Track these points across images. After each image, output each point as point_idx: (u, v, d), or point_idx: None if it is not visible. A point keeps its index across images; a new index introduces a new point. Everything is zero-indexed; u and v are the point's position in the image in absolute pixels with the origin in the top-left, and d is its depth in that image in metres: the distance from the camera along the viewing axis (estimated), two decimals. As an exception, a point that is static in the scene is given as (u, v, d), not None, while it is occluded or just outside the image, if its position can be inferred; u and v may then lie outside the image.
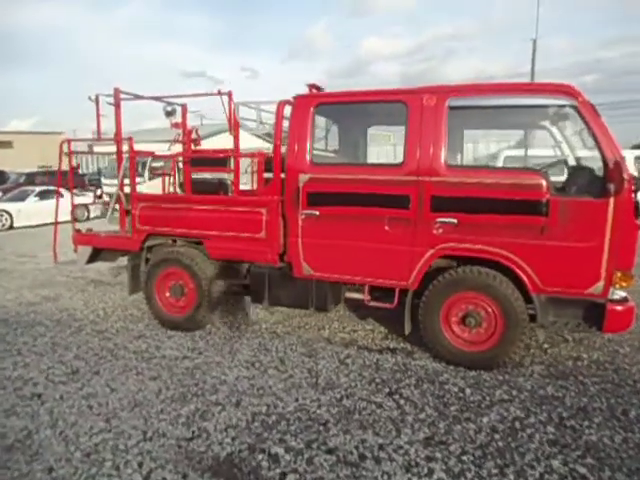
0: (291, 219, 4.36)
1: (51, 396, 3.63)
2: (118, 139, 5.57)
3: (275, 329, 5.07)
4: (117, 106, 5.47)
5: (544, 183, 3.55)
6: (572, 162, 4.12)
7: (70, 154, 5.63)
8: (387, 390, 3.68)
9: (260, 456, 2.85)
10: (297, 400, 3.54)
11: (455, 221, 3.81)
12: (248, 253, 4.61)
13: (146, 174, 15.89)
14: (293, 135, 4.29)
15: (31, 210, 15.25)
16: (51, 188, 16.08)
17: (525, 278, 3.70)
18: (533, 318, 3.82)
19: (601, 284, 3.54)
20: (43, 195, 15.89)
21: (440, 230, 3.87)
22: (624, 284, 3.51)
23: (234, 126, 4.76)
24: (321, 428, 3.15)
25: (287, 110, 4.36)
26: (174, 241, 5.24)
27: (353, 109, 4.30)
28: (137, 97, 5.67)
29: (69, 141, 5.53)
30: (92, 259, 5.56)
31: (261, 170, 4.75)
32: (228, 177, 5.30)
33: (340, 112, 4.44)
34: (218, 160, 5.13)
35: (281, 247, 4.48)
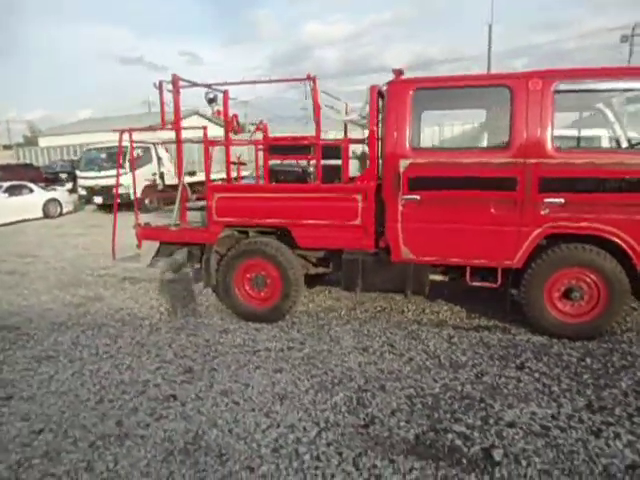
0: (390, 204, 4.39)
1: (186, 396, 3.52)
2: (177, 127, 5.34)
3: (356, 315, 5.11)
4: (176, 92, 5.24)
5: (652, 162, 3.78)
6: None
7: (132, 145, 5.32)
8: (513, 365, 3.85)
9: (449, 435, 2.93)
10: (436, 381, 3.64)
11: (563, 201, 3.99)
12: (342, 240, 4.61)
13: (127, 165, 15.16)
14: (391, 120, 4.29)
15: (1, 207, 14.21)
16: (22, 183, 15.02)
17: (631, 253, 3.94)
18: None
19: (702, 254, 3.85)
20: (11, 191, 14.80)
21: (547, 210, 4.04)
22: None
23: (316, 112, 4.68)
24: (482, 405, 3.27)
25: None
26: (244, 233, 5.14)
27: (452, 94, 4.36)
28: (196, 84, 5.43)
29: (130, 131, 5.22)
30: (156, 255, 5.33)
31: (346, 157, 4.72)
32: (301, 165, 5.21)
33: (438, 97, 4.48)
34: (295, 147, 5.02)
35: (376, 233, 4.51)
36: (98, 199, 15.30)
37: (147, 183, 15.54)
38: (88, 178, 15.39)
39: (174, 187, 17.22)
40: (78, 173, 16.11)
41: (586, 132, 5.74)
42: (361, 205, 4.46)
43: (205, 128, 5.19)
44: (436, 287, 5.05)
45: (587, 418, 3.05)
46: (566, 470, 2.57)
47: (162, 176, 16.31)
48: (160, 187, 16.21)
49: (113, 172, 15.38)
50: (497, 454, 2.72)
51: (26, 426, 3.20)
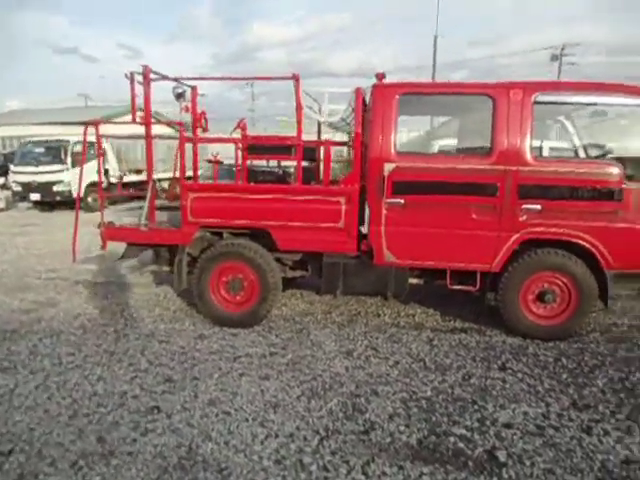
0: (374, 208, 4.39)
1: (170, 407, 3.31)
2: (147, 121, 5.07)
3: (333, 319, 5.06)
4: (147, 85, 4.97)
5: (620, 173, 4.03)
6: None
7: (98, 139, 4.96)
8: (496, 366, 3.95)
9: (451, 438, 2.94)
10: (426, 384, 3.66)
11: (539, 207, 4.16)
12: (323, 243, 4.54)
13: (69, 161, 14.26)
14: (376, 124, 4.30)
15: None
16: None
17: (600, 257, 4.18)
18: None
19: (662, 259, 4.15)
20: None
21: (525, 216, 4.20)
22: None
23: (298, 112, 4.58)
24: (476, 406, 3.32)
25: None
26: (217, 234, 4.95)
27: (436, 100, 4.43)
28: (166, 78, 5.17)
29: (96, 124, 4.87)
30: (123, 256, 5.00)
31: (328, 159, 4.67)
32: (281, 166, 5.09)
33: (422, 102, 4.53)
34: (274, 147, 4.89)
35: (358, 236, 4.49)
36: (35, 196, 14.27)
37: (90, 181, 14.69)
38: (24, 173, 14.30)
39: (117, 185, 16.36)
40: (12, 168, 14.93)
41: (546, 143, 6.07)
42: (344, 208, 4.42)
43: (181, 124, 4.93)
44: (410, 290, 5.11)
45: (575, 416, 3.18)
46: (568, 468, 2.65)
47: (106, 173, 15.46)
48: (105, 185, 15.36)
49: (52, 167, 14.44)
50: (501, 455, 2.77)
51: (-7, 446, 2.87)
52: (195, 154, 5.28)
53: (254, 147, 4.85)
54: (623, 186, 4.05)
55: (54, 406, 3.33)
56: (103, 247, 4.97)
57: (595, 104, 4.12)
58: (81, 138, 15.23)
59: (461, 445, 2.88)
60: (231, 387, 3.60)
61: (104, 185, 15.28)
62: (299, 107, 4.58)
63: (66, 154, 14.17)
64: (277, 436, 2.97)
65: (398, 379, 3.73)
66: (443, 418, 3.18)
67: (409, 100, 4.30)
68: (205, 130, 6.20)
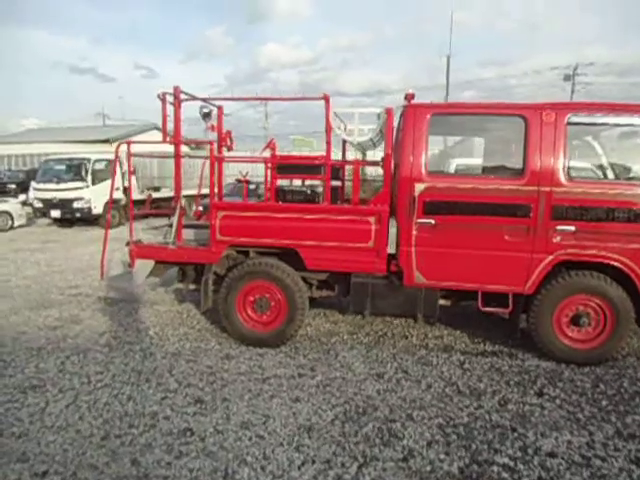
0: (404, 228, 4.36)
1: (203, 430, 3.26)
2: (177, 140, 5.12)
3: (359, 340, 5.00)
4: (177, 105, 5.04)
5: (657, 194, 3.96)
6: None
7: (129, 157, 5.01)
8: (532, 392, 3.85)
9: (494, 468, 2.85)
10: (462, 409, 3.57)
11: (573, 229, 4.09)
12: (353, 263, 4.51)
13: (89, 178, 14.46)
14: (407, 144, 4.29)
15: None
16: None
17: (637, 279, 4.09)
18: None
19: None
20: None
21: (559, 237, 4.13)
22: None
23: (327, 131, 4.61)
24: (516, 434, 3.22)
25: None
26: (243, 253, 4.94)
27: (467, 120, 4.42)
28: (196, 98, 5.24)
29: (128, 142, 4.93)
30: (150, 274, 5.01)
31: (357, 179, 4.66)
32: (310, 185, 5.10)
33: (453, 123, 4.53)
34: (302, 167, 4.90)
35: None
36: (55, 212, 14.45)
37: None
38: (45, 190, 14.51)
39: (138, 202, 16.63)
40: (34, 184, 15.16)
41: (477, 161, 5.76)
42: (374, 228, 4.39)
43: (212, 143, 4.97)
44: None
45: (621, 446, 3.07)
46: (620, 502, 2.54)
47: (125, 191, 15.66)
48: (123, 202, 15.54)
49: (73, 185, 14.65)
50: (548, 487, 2.66)
51: (26, 468, 2.84)
52: (220, 173, 5.29)
53: (283, 166, 4.86)
54: (659, 208, 3.97)
55: (86, 426, 3.30)
56: (131, 265, 4.97)
57: (627, 125, 4.07)
58: (101, 156, 15.52)
59: (505, 475, 2.78)
60: (262, 409, 3.54)
61: (124, 202, 15.60)
62: (329, 128, 4.60)
63: (87, 172, 14.38)
64: (314, 462, 2.90)
65: (432, 404, 3.65)
66: (483, 446, 3.09)
67: (440, 120, 4.29)
68: (230, 149, 6.27)
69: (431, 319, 4.70)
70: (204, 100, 5.51)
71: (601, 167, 4.22)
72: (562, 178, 4.08)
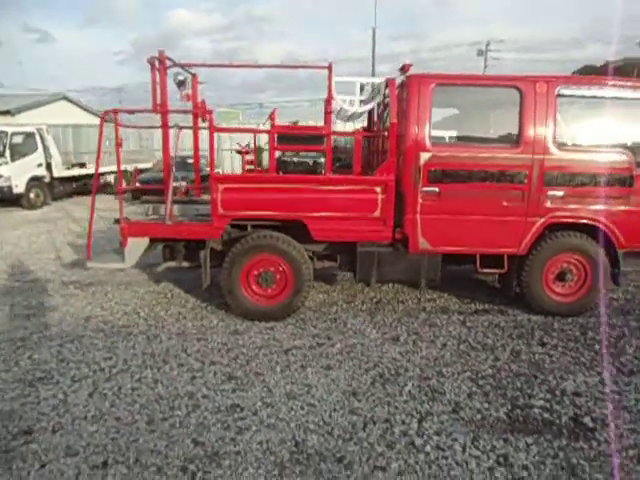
0: (410, 197, 4.50)
1: (251, 405, 3.23)
2: (164, 110, 4.80)
3: (359, 307, 5.14)
4: (163, 71, 4.71)
5: (632, 160, 4.44)
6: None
7: (117, 127, 4.59)
8: (535, 343, 4.24)
9: (535, 410, 3.14)
10: (482, 363, 3.85)
11: (562, 193, 4.48)
12: (359, 232, 4.58)
13: (7, 154, 12.99)
14: (411, 114, 4.39)
15: None
16: None
17: (614, 238, 4.58)
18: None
19: (665, 238, 4.63)
20: None
21: (549, 202, 4.50)
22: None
23: (328, 101, 4.55)
24: (538, 380, 3.56)
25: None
26: (239, 227, 4.83)
27: (467, 91, 4.57)
28: (177, 64, 4.91)
29: (115, 112, 4.52)
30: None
31: (359, 149, 4.69)
32: (311, 156, 5.02)
33: (454, 93, 4.64)
34: (303, 138, 4.81)
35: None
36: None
37: (32, 175, 13.53)
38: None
39: (63, 180, 15.32)
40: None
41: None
42: (381, 197, 4.48)
43: (211, 113, 4.70)
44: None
45: (628, 381, 3.51)
46: (648, 427, 2.94)
47: (49, 167, 14.32)
48: (47, 180, 14.21)
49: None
50: (587, 421, 3.00)
51: (81, 461, 2.65)
52: (212, 144, 5.03)
53: (283, 137, 4.75)
54: (634, 172, 4.45)
55: (124, 413, 3.13)
56: (123, 244, 4.65)
57: (612, 97, 4.46)
58: (20, 129, 13.95)
59: (546, 415, 3.08)
60: (300, 379, 3.57)
61: (47, 180, 14.25)
62: (330, 97, 4.56)
63: (4, 146, 12.90)
64: (375, 422, 3.01)
65: (454, 360, 3.89)
66: (516, 392, 3.37)
67: (442, 91, 4.42)
68: (204, 119, 5.98)
69: (433, 284, 4.93)
70: (190, 66, 5.19)
71: (587, 136, 4.59)
72: (553, 147, 4.41)
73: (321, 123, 5.62)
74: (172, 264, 5.09)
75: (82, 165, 16.61)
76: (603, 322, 4.68)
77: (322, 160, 4.59)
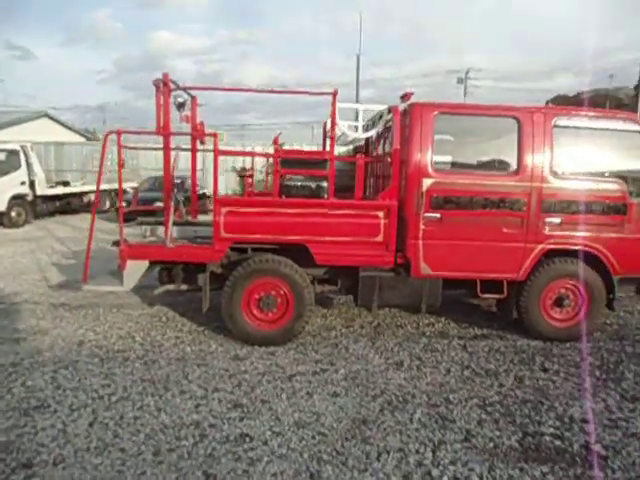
0: (411, 222, 4.54)
1: (260, 434, 3.15)
2: (167, 132, 4.79)
3: (359, 332, 5.12)
4: (167, 94, 4.72)
5: (624, 189, 4.59)
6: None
7: (120, 148, 4.53)
8: (537, 368, 4.27)
9: (546, 438, 3.14)
10: (487, 389, 3.85)
11: (559, 220, 4.59)
12: (362, 257, 4.60)
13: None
14: (414, 141, 4.48)
15: None
16: None
17: (609, 265, 4.70)
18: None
19: (656, 265, 4.76)
20: None
21: (547, 228, 4.60)
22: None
23: (332, 126, 4.61)
24: (545, 406, 3.57)
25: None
26: (239, 250, 4.79)
27: (466, 120, 4.68)
28: (180, 87, 4.93)
29: (119, 133, 4.47)
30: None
31: (361, 174, 4.74)
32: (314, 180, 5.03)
33: (455, 122, 4.73)
34: (306, 162, 4.83)
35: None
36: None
37: (14, 193, 13.24)
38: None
39: (46, 198, 15.07)
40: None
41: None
42: (383, 222, 4.52)
43: (216, 135, 4.70)
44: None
45: (632, 407, 3.55)
46: (658, 454, 2.96)
47: (32, 185, 14.03)
48: (30, 198, 13.91)
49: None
50: (598, 448, 3.01)
51: (88, 497, 2.54)
52: (216, 166, 4.99)
53: (286, 161, 4.76)
54: (627, 201, 4.60)
55: (128, 444, 3.02)
56: (121, 267, 4.55)
57: (603, 129, 4.62)
58: (1, 146, 13.67)
59: (558, 443, 3.09)
60: (307, 407, 3.51)
61: (29, 198, 13.95)
62: (333, 123, 4.62)
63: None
64: (389, 452, 2.97)
65: (460, 386, 3.88)
66: (525, 419, 3.38)
67: (444, 119, 4.52)
68: (203, 142, 5.99)
69: (434, 308, 4.95)
70: (193, 89, 5.21)
71: (582, 165, 4.73)
72: (550, 175, 4.54)
73: (307, 146, 5.68)
74: (170, 287, 5.00)
75: (66, 184, 16.34)
76: (601, 347, 4.74)
77: (325, 184, 4.60)
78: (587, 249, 4.66)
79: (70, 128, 34.57)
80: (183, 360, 4.32)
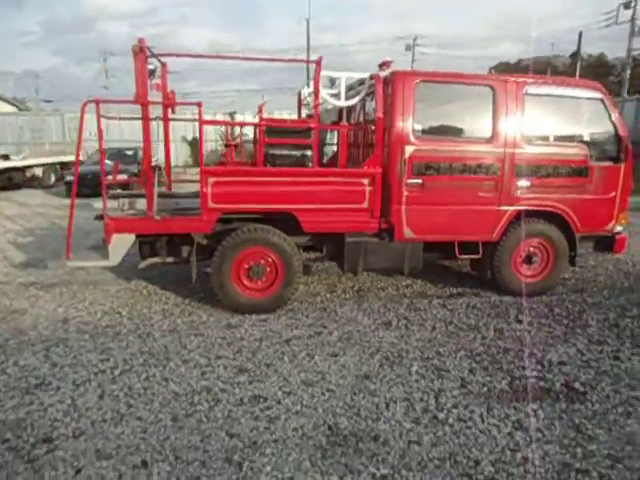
0: (395, 188, 4.71)
1: (272, 394, 3.29)
2: (145, 101, 4.63)
3: (343, 296, 5.31)
4: (143, 60, 4.54)
5: (587, 153, 4.96)
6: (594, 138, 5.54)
7: (99, 119, 4.32)
8: (512, 320, 4.64)
9: (530, 380, 3.49)
10: (472, 341, 4.17)
11: (529, 184, 4.91)
12: (347, 223, 4.74)
13: None
14: (396, 109, 4.60)
15: None
16: None
17: (572, 224, 5.10)
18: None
19: (612, 223, 5.23)
20: None
21: (518, 192, 4.92)
22: (624, 221, 5.28)
23: (316, 94, 4.63)
24: (525, 353, 3.93)
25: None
26: (224, 221, 4.80)
27: (445, 88, 4.82)
28: (161, 54, 4.75)
29: (98, 102, 4.26)
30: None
31: (344, 143, 4.83)
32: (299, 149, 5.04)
33: (435, 90, 4.84)
34: (291, 131, 4.81)
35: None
36: None
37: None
38: None
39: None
40: None
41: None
42: (368, 189, 4.66)
43: (200, 104, 4.58)
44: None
45: (599, 350, 3.97)
46: (626, 386, 3.37)
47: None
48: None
49: None
50: (577, 385, 3.38)
51: (117, 463, 2.59)
52: (202, 138, 4.83)
53: (271, 130, 4.75)
54: (589, 164, 4.97)
55: (145, 413, 3.07)
56: (107, 241, 4.44)
57: (571, 97, 4.93)
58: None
59: (542, 384, 3.44)
60: (311, 367, 3.67)
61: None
62: (317, 91, 4.64)
63: None
64: (395, 402, 3.19)
65: (447, 340, 4.18)
66: (510, 365, 3.71)
67: (424, 87, 4.66)
68: (173, 110, 5.84)
69: (416, 271, 5.20)
70: (164, 56, 5.02)
71: (548, 131, 5.04)
72: (521, 141, 4.82)
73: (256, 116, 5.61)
74: (154, 260, 4.94)
75: (5, 157, 15.30)
76: (564, 300, 5.20)
77: (309, 153, 4.65)
78: (553, 210, 5.03)
79: (1, 98, 32.04)
80: (176, 332, 4.35)
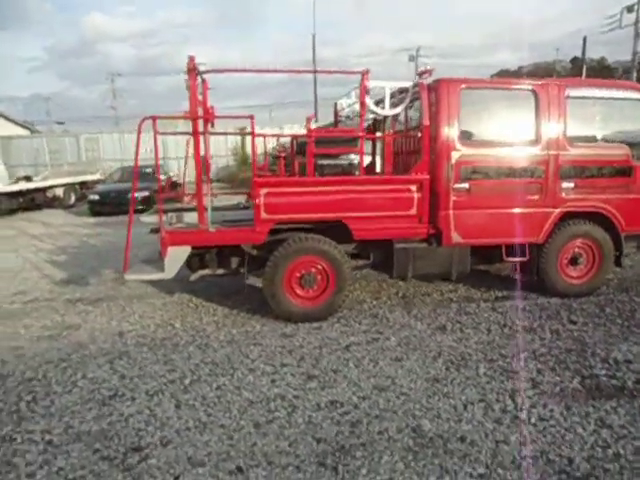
0: (442, 194, 4.76)
1: (347, 399, 3.31)
2: (195, 116, 4.73)
3: (390, 303, 5.33)
4: (193, 78, 4.65)
5: (629, 153, 5.00)
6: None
7: (155, 135, 4.42)
8: (566, 321, 4.64)
9: (602, 378, 3.49)
10: (532, 343, 4.18)
11: (573, 185, 4.95)
12: (396, 230, 4.78)
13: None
14: (442, 116, 4.67)
15: None
16: None
17: (617, 223, 5.12)
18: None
19: (657, 222, 5.24)
20: None
21: (563, 193, 4.96)
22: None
23: (362, 105, 4.71)
24: (589, 353, 3.93)
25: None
26: (272, 232, 4.86)
27: (488, 94, 4.90)
28: (216, 71, 4.87)
29: (154, 118, 4.36)
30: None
31: (390, 151, 4.90)
32: (348, 158, 5.13)
33: (479, 96, 4.91)
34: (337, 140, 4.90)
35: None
36: None
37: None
38: None
39: (9, 195, 14.34)
40: None
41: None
42: (416, 195, 4.71)
43: (253, 117, 4.67)
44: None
45: (663, 347, 3.97)
46: (700, 382, 3.37)
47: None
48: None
49: None
50: (650, 383, 3.38)
51: (213, 469, 2.62)
52: (254, 150, 4.86)
53: (319, 141, 4.83)
54: (632, 164, 5.01)
55: (226, 420, 3.10)
56: (162, 254, 4.51)
57: (612, 98, 4.99)
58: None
59: (614, 382, 3.44)
60: (378, 372, 3.69)
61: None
62: (363, 103, 4.73)
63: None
64: (472, 403, 3.21)
65: (507, 342, 4.19)
66: (576, 365, 3.71)
67: (468, 93, 4.73)
68: (212, 125, 5.94)
69: (464, 276, 5.22)
70: (212, 72, 5.13)
71: (590, 132, 5.09)
72: (564, 143, 4.87)
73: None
74: (204, 273, 4.99)
75: (28, 179, 15.53)
76: (613, 300, 5.19)
77: (356, 162, 4.73)
78: (598, 210, 5.06)
79: (13, 121, 32.61)
80: (235, 342, 4.39)
